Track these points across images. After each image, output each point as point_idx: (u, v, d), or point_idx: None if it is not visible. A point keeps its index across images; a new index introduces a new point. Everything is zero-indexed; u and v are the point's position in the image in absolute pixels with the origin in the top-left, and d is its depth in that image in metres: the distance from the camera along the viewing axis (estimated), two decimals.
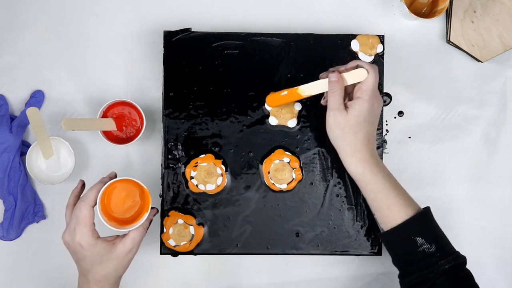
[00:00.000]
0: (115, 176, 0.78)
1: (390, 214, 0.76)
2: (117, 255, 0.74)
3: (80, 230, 0.73)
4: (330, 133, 0.78)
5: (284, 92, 0.81)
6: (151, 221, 0.79)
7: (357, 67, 0.77)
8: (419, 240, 0.74)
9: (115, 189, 0.76)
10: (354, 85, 0.78)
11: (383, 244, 0.80)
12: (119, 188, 0.77)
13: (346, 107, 0.76)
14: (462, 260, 0.75)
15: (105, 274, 0.74)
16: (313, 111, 0.86)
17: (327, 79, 0.77)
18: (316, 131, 0.86)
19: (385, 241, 0.79)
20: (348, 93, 0.79)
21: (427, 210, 0.77)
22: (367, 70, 0.76)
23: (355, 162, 0.77)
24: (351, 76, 0.76)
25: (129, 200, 0.77)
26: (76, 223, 0.73)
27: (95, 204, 0.74)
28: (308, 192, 0.86)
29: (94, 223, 0.74)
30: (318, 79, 0.79)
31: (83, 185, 0.80)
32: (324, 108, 0.78)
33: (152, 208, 0.77)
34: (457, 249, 0.76)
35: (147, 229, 0.78)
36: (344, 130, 0.76)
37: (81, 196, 0.78)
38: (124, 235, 0.76)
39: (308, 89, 0.79)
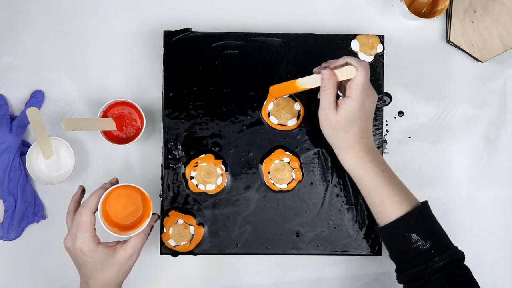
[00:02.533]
0: (117, 182, 0.78)
1: (384, 210, 0.76)
2: (118, 261, 0.74)
3: (81, 236, 0.73)
4: (322, 131, 0.78)
5: (284, 82, 0.81)
6: (152, 227, 0.80)
7: (346, 64, 0.75)
8: (414, 236, 0.74)
9: (116, 195, 0.76)
10: (347, 80, 0.77)
11: (381, 239, 0.80)
12: (120, 194, 0.77)
13: (337, 105, 0.76)
14: (459, 256, 0.75)
15: (106, 280, 0.74)
16: (313, 111, 0.86)
17: (319, 75, 0.76)
18: (316, 131, 0.86)
19: (381, 236, 0.79)
20: (344, 86, 0.78)
21: (424, 205, 0.77)
22: (355, 67, 0.74)
23: (348, 158, 0.78)
24: (341, 73, 0.75)
25: (130, 206, 0.77)
26: (77, 229, 0.73)
27: (96, 210, 0.74)
28: (308, 192, 0.86)
29: (95, 229, 0.74)
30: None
31: (83, 191, 0.80)
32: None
33: (153, 214, 0.77)
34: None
35: (148, 235, 0.78)
36: (335, 128, 0.76)
37: (81, 201, 0.78)
38: (125, 241, 0.76)
39: (304, 82, 0.79)
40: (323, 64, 0.78)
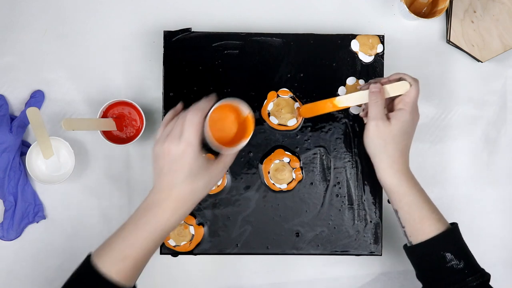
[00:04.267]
0: (217, 99, 0.74)
1: (422, 228, 0.75)
2: (210, 173, 0.71)
3: (190, 137, 0.68)
4: (370, 143, 0.77)
5: (320, 101, 0.80)
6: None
7: (399, 79, 0.77)
8: (449, 256, 0.73)
9: (220, 111, 0.73)
10: (392, 99, 0.78)
11: (409, 258, 0.79)
12: (223, 110, 0.73)
13: (388, 118, 0.76)
14: (488, 277, 0.74)
15: (192, 190, 0.70)
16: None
17: (366, 90, 0.77)
18: (316, 131, 0.86)
19: (412, 254, 0.78)
20: (386, 105, 0.78)
21: (456, 226, 0.76)
22: (409, 83, 0.76)
23: (392, 173, 0.77)
24: (393, 88, 0.76)
25: (228, 123, 0.74)
26: (187, 130, 0.68)
27: (206, 116, 0.71)
28: (308, 192, 0.86)
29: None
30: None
31: (182, 108, 0.76)
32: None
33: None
34: None
35: (235, 157, 0.75)
36: (386, 140, 0.76)
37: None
38: (218, 156, 0.73)
39: (345, 100, 0.79)
40: (371, 81, 0.79)
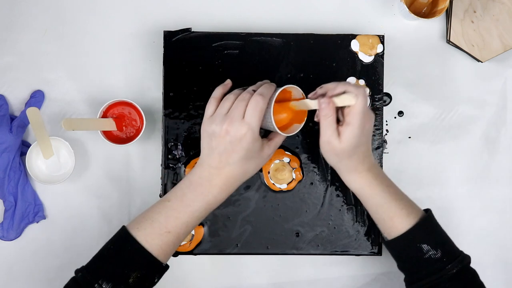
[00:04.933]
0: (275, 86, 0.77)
1: (393, 225, 0.76)
2: (263, 155, 0.74)
3: (253, 121, 0.70)
4: (324, 156, 0.77)
5: (277, 103, 0.78)
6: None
7: (344, 92, 0.73)
8: (425, 247, 0.74)
9: (279, 96, 0.74)
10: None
11: (388, 251, 0.79)
12: (282, 95, 0.76)
13: (338, 133, 0.74)
14: (468, 260, 0.75)
15: (243, 172, 0.73)
16: (313, 111, 0.86)
17: (315, 100, 0.74)
18: (316, 131, 0.86)
19: (389, 249, 0.79)
20: (339, 108, 0.76)
21: (429, 215, 0.77)
22: (355, 95, 0.72)
23: (352, 180, 0.77)
24: (341, 100, 0.73)
25: (288, 107, 0.77)
26: (250, 114, 0.70)
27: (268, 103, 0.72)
28: (308, 192, 0.86)
29: None
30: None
31: (232, 85, 0.78)
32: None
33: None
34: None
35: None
36: (339, 155, 0.75)
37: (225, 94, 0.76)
38: (270, 139, 0.76)
39: (299, 105, 0.77)
40: (318, 90, 0.76)
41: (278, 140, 0.76)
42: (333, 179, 0.86)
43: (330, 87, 0.74)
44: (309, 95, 0.77)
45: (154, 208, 0.73)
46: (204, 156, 0.73)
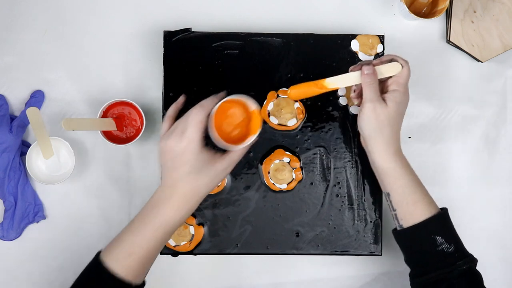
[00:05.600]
0: (226, 96, 0.74)
1: (415, 211, 0.75)
2: (215, 169, 0.71)
3: (191, 135, 0.69)
4: (366, 126, 0.76)
5: (308, 82, 0.77)
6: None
7: (391, 60, 0.77)
8: (439, 239, 0.73)
9: (224, 107, 0.73)
10: (382, 80, 0.77)
11: (398, 241, 0.78)
12: (229, 107, 0.73)
13: (383, 99, 0.76)
14: (475, 263, 0.75)
15: (196, 186, 0.70)
16: (313, 111, 0.86)
17: (357, 72, 0.76)
18: (316, 131, 0.86)
19: (402, 238, 0.78)
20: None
21: (446, 210, 0.77)
22: (401, 64, 0.76)
23: (388, 156, 0.76)
24: (386, 69, 0.76)
25: (235, 120, 0.74)
26: (189, 126, 0.69)
27: (209, 113, 0.71)
28: (308, 192, 0.86)
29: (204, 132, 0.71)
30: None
31: (184, 101, 0.77)
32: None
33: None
34: None
35: (244, 153, 0.74)
36: (383, 122, 0.75)
37: (179, 111, 0.75)
38: (224, 152, 0.73)
39: (336, 82, 0.76)
40: (361, 62, 0.77)
41: (234, 155, 0.72)
42: (333, 179, 0.86)
43: (372, 60, 0.77)
44: (351, 68, 0.78)
45: (123, 230, 0.72)
46: (162, 176, 0.72)
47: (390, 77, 0.77)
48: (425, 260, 0.75)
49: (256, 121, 0.73)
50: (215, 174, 0.71)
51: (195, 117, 0.69)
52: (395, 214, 0.77)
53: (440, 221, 0.75)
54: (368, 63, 0.77)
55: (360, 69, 0.76)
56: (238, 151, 0.73)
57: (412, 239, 0.76)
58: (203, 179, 0.70)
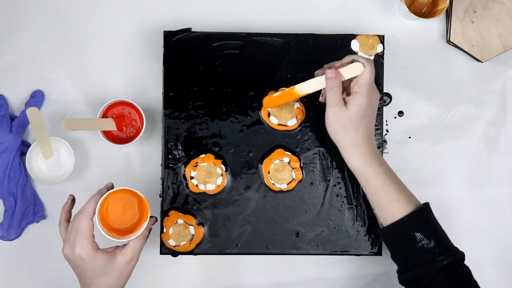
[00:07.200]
0: (112, 186, 0.79)
1: (391, 210, 0.76)
2: (118, 266, 0.74)
3: (80, 243, 0.73)
4: (330, 129, 0.78)
5: (279, 92, 0.81)
6: (150, 230, 0.79)
7: (352, 61, 0.77)
8: (418, 235, 0.74)
9: (113, 200, 0.76)
10: (350, 80, 0.77)
11: (382, 240, 0.80)
12: (117, 198, 0.77)
13: (345, 102, 0.76)
14: (461, 256, 0.75)
15: (107, 286, 0.74)
16: (313, 111, 0.86)
17: (323, 76, 0.77)
18: (316, 131, 0.86)
19: (384, 236, 0.79)
20: (345, 88, 0.79)
21: (426, 206, 0.77)
22: (363, 64, 0.75)
23: (356, 157, 0.77)
24: (348, 70, 0.76)
25: (127, 210, 0.77)
26: (76, 236, 0.73)
27: (94, 215, 0.74)
28: (308, 192, 0.86)
29: (93, 235, 0.74)
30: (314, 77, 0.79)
31: (73, 200, 0.81)
32: (323, 106, 0.78)
33: (151, 217, 0.77)
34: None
35: (147, 237, 0.78)
36: (344, 125, 0.76)
37: (71, 211, 0.79)
38: (124, 245, 0.76)
39: (304, 88, 0.78)
40: (325, 66, 0.78)
41: (135, 244, 0.75)
42: (333, 179, 0.86)
43: (336, 61, 0.77)
44: (316, 72, 0.79)
45: None
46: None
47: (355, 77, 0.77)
48: (407, 257, 0.76)
49: (145, 207, 0.76)
50: (120, 268, 0.74)
51: (78, 226, 0.73)
52: (375, 213, 0.79)
53: (419, 217, 0.75)
54: (330, 66, 0.77)
55: (324, 73, 0.77)
56: (138, 239, 0.76)
57: (393, 237, 0.77)
58: (110, 278, 0.74)
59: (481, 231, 0.91)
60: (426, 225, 0.75)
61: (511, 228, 0.92)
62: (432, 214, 0.77)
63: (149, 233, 0.79)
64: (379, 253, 0.85)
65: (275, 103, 0.82)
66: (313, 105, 0.86)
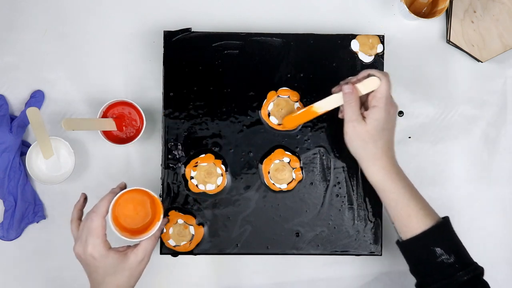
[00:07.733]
0: (125, 186, 0.78)
1: (410, 224, 0.75)
2: (130, 265, 0.74)
3: (92, 242, 0.73)
4: (350, 144, 0.78)
5: (300, 112, 0.81)
6: (162, 230, 0.80)
7: (368, 76, 0.77)
8: (438, 250, 0.73)
9: (126, 199, 0.76)
10: (367, 95, 0.78)
11: (402, 253, 0.79)
12: (130, 198, 0.76)
13: (363, 117, 0.76)
14: (480, 271, 0.75)
15: (118, 285, 0.74)
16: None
17: (340, 92, 0.77)
18: (316, 131, 0.86)
19: (403, 250, 0.78)
20: (362, 102, 0.78)
21: (446, 220, 0.77)
22: (379, 78, 0.76)
23: (376, 170, 0.77)
24: (364, 85, 0.76)
25: (140, 209, 0.77)
26: (88, 234, 0.73)
27: (106, 214, 0.74)
28: (308, 192, 0.86)
29: (106, 234, 0.74)
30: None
31: (85, 199, 0.80)
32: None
33: (163, 217, 0.77)
34: None
35: (158, 238, 0.78)
36: (364, 140, 0.76)
37: (83, 209, 0.79)
38: (136, 245, 0.76)
39: (322, 105, 0.79)
40: (342, 82, 0.79)
41: (146, 244, 0.75)
42: (333, 179, 0.86)
43: (352, 77, 0.77)
44: (333, 89, 0.79)
45: None
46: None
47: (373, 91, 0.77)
48: (426, 272, 0.75)
49: (158, 207, 0.77)
50: (132, 268, 0.74)
51: (91, 224, 0.73)
52: (394, 227, 0.78)
53: (438, 232, 0.75)
54: (347, 82, 0.78)
55: (341, 89, 0.77)
56: (149, 239, 0.76)
57: (412, 251, 0.77)
58: (121, 277, 0.74)
59: (481, 231, 0.91)
60: (446, 240, 0.75)
61: (511, 228, 0.92)
62: (452, 229, 0.77)
63: (160, 234, 0.79)
64: (379, 253, 0.85)
65: (294, 123, 0.83)
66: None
